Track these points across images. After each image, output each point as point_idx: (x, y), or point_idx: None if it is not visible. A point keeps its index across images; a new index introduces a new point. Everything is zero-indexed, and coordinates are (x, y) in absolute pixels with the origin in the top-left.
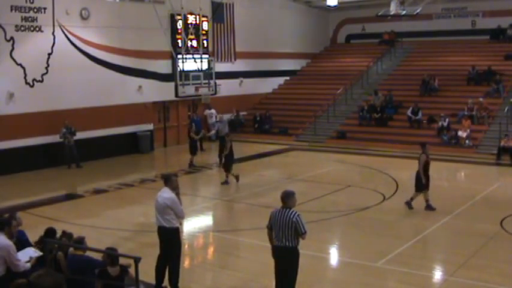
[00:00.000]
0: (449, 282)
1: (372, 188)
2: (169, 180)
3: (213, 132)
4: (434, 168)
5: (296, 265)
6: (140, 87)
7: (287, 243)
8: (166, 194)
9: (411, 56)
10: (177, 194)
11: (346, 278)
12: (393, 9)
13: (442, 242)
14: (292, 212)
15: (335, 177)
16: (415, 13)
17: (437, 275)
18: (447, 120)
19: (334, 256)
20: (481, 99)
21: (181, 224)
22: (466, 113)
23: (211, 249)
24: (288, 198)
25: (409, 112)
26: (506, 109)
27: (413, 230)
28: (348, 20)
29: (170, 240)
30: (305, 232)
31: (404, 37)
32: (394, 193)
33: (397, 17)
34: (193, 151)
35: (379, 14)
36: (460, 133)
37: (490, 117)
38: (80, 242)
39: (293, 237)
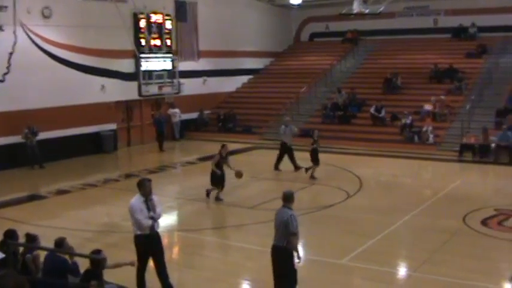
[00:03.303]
0: (413, 278)
1: (336, 186)
2: (141, 186)
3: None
4: (397, 165)
5: (287, 265)
6: (103, 86)
7: (277, 243)
8: (132, 199)
9: (374, 54)
10: (150, 200)
11: (311, 276)
12: (356, 7)
13: (406, 239)
14: (289, 211)
15: (299, 175)
16: (377, 12)
17: (402, 271)
18: (410, 117)
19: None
20: (442, 97)
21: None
22: (428, 108)
23: (176, 249)
24: (286, 198)
25: (372, 110)
26: (467, 106)
27: (377, 227)
28: (311, 18)
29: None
30: (293, 233)
31: (367, 35)
32: (358, 190)
33: (360, 15)
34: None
35: (342, 12)
36: (424, 128)
37: (452, 115)
38: (61, 242)
39: (283, 237)
